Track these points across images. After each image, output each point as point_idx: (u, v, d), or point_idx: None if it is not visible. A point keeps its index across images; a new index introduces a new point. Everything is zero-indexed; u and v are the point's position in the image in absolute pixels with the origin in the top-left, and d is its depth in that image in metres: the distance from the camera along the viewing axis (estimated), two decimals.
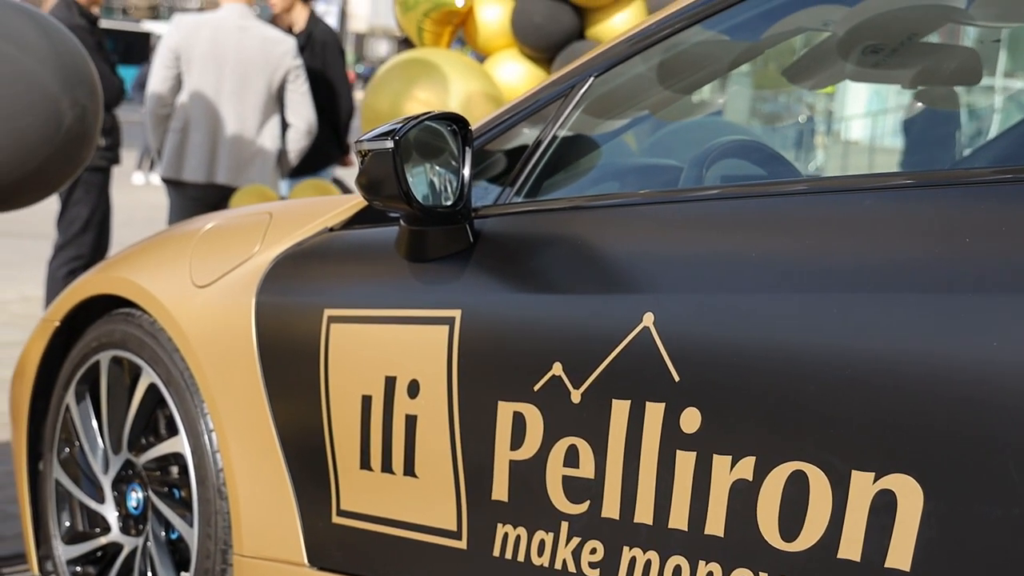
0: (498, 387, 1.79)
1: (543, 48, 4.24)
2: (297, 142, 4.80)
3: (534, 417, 1.74)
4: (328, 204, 2.32)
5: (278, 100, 4.73)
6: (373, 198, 1.86)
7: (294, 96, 4.71)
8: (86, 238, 5.13)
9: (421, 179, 1.87)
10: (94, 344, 2.51)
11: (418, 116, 1.84)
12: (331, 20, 18.41)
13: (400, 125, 1.81)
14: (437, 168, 1.89)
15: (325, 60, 5.27)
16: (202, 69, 4.58)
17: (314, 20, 5.35)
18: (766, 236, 1.60)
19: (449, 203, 1.87)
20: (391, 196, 1.81)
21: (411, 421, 1.92)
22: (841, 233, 1.52)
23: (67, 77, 2.57)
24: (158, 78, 4.63)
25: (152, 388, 2.39)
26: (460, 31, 4.50)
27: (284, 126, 4.82)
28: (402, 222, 1.96)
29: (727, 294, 1.57)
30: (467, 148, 1.88)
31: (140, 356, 2.40)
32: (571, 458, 1.70)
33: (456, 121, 1.88)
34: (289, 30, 5.25)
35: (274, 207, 2.45)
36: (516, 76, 4.33)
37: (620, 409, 1.63)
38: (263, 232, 2.30)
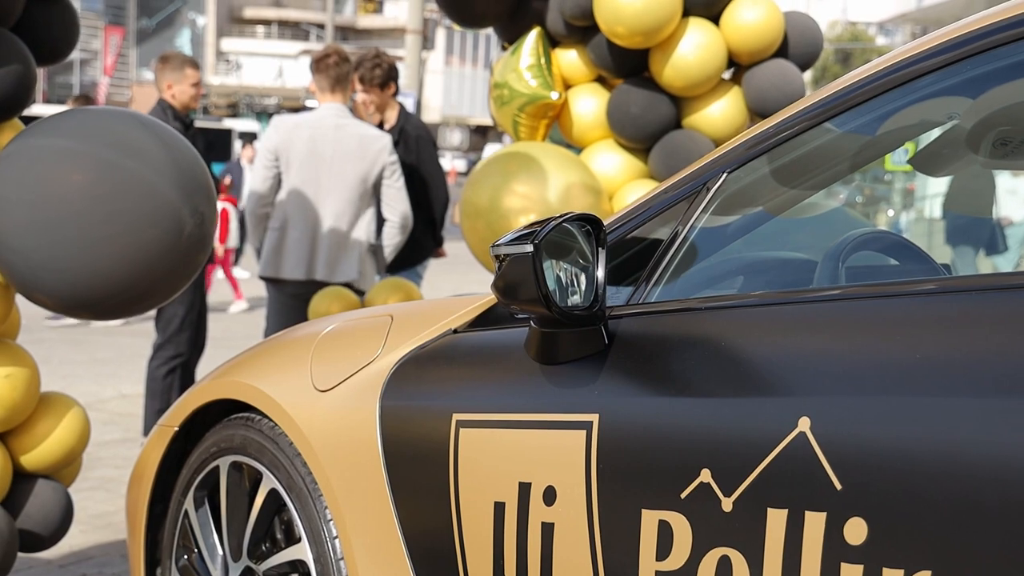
0: (641, 494, 1.73)
1: (640, 139, 4.22)
2: (393, 237, 4.82)
3: (682, 526, 1.68)
4: (449, 305, 2.29)
5: (374, 196, 4.77)
6: (511, 302, 1.83)
7: (390, 191, 4.74)
8: (183, 336, 5.18)
9: (548, 277, 1.84)
10: (213, 449, 2.50)
11: (554, 218, 1.81)
12: None
13: (538, 228, 1.78)
14: (563, 265, 1.86)
15: (420, 154, 5.30)
16: (300, 168, 4.64)
17: (404, 115, 5.39)
18: (928, 335, 1.53)
19: (585, 304, 1.84)
20: (530, 300, 1.78)
21: (547, 529, 1.86)
22: (1018, 333, 1.45)
23: (186, 186, 2.60)
24: (258, 177, 4.69)
25: (273, 494, 2.36)
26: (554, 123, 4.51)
27: (380, 222, 4.85)
28: (532, 324, 1.93)
29: (891, 397, 1.50)
30: (601, 249, 1.85)
31: (260, 461, 2.38)
32: (723, 569, 1.63)
33: (590, 222, 1.86)
34: (380, 126, 5.30)
35: (395, 309, 2.44)
36: (612, 167, 4.31)
37: (776, 518, 1.57)
38: (385, 335, 2.28)
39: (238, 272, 13.54)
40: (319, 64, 4.71)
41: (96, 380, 7.01)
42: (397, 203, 4.76)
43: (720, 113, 4.18)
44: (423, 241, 5.36)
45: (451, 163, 38.58)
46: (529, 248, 1.75)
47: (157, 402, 5.15)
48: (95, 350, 7.88)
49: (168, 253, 2.56)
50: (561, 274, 1.84)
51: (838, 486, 1.51)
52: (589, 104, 4.35)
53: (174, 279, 2.65)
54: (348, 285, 4.69)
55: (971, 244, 5.80)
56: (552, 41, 4.34)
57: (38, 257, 2.52)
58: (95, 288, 2.58)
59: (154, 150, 2.59)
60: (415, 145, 5.29)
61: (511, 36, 4.44)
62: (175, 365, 5.17)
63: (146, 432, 5.18)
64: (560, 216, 1.82)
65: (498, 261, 1.81)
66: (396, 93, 5.34)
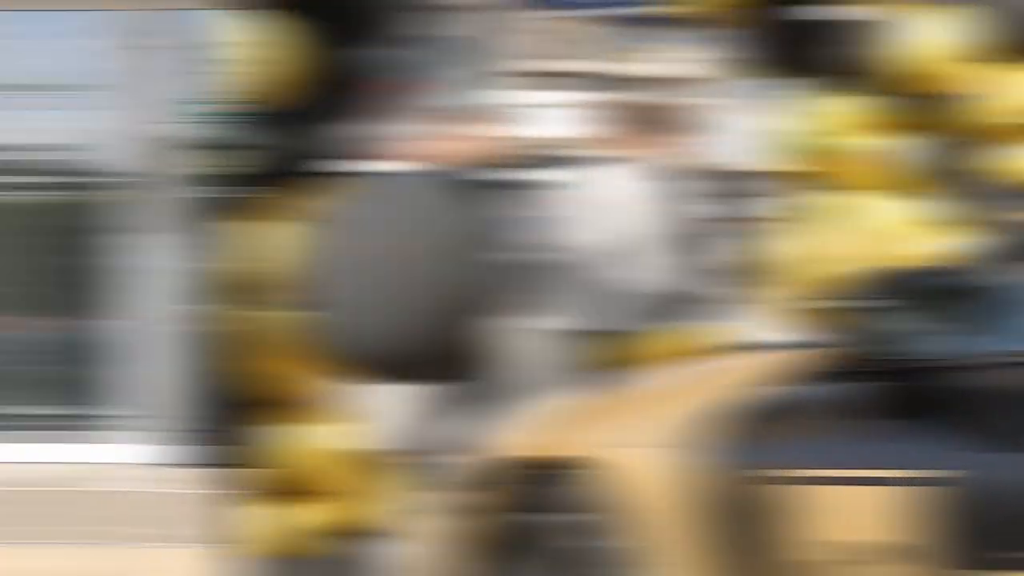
0: (1005, 553, 1.64)
1: None
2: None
3: None
4: (764, 361, 2.25)
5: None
6: (853, 356, 1.77)
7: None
8: None
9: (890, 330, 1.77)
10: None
11: (894, 270, 1.76)
12: None
13: (878, 281, 1.74)
14: (904, 317, 1.79)
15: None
16: None
17: None
18: None
19: (928, 357, 1.77)
20: (873, 354, 1.73)
21: None
22: None
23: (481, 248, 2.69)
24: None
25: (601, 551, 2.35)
26: None
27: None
28: (867, 378, 1.87)
29: None
30: (945, 301, 1.78)
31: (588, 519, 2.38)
32: None
33: (930, 273, 1.79)
34: None
35: (708, 365, 2.41)
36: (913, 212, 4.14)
37: None
38: (702, 389, 2.25)
39: None
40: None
41: None
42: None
43: None
44: None
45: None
46: (871, 302, 1.70)
47: None
48: None
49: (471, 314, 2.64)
50: (901, 326, 1.78)
51: None
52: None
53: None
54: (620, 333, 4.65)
55: None
56: None
57: (363, 321, 2.65)
58: (409, 348, 2.68)
59: (452, 215, 2.69)
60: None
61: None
62: None
63: None
64: (899, 268, 1.76)
65: (834, 315, 1.77)
66: None
